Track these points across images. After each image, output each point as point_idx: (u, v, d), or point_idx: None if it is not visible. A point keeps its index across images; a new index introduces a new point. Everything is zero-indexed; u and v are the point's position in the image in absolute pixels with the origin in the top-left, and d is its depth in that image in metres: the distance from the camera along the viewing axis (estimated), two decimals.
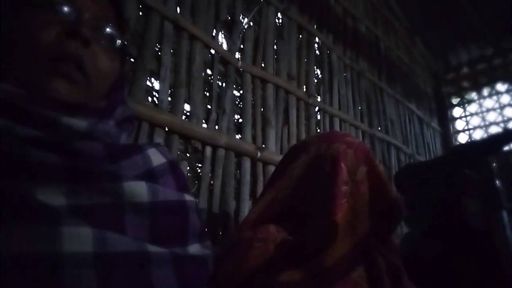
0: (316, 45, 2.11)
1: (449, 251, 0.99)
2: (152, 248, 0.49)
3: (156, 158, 0.61)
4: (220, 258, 0.75)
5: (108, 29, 0.58)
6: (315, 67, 2.04)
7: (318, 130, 1.93)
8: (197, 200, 1.18)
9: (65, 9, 0.53)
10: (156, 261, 0.48)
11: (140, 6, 1.21)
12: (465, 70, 3.76)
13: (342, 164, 0.80)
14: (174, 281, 0.50)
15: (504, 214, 0.53)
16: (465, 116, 3.74)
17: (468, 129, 3.69)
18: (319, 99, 2.00)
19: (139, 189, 0.52)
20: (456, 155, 0.61)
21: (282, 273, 0.72)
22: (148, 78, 1.18)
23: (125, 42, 0.62)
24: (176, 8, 1.33)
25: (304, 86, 1.91)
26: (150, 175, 0.57)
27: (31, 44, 0.50)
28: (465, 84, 3.76)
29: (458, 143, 3.47)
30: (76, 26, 0.52)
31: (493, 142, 0.59)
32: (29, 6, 0.52)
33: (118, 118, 0.59)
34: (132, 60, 1.13)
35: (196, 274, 0.56)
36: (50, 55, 0.50)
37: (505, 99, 3.55)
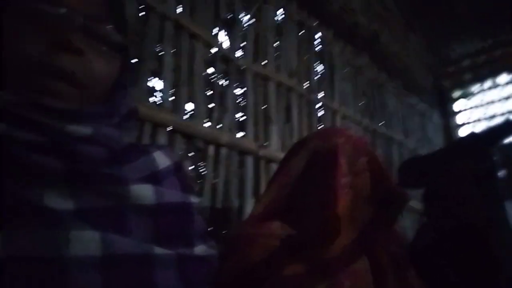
0: (316, 41, 2.10)
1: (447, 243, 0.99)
2: (158, 250, 0.49)
3: (162, 160, 0.60)
4: (224, 254, 0.76)
5: (103, 30, 0.54)
6: (316, 63, 2.04)
7: (320, 126, 1.94)
8: (201, 199, 1.18)
9: (53, 14, 0.49)
10: (161, 262, 0.49)
11: (140, 6, 1.21)
12: (466, 62, 3.74)
13: (341, 157, 0.82)
14: (179, 282, 0.50)
15: (506, 205, 0.53)
16: (467, 109, 3.73)
17: (471, 122, 3.68)
18: (320, 95, 2.00)
19: (144, 191, 0.52)
20: (458, 147, 0.62)
21: (286, 267, 0.73)
22: (149, 78, 1.18)
23: (124, 41, 0.59)
24: (176, 7, 1.33)
25: (306, 82, 1.91)
26: (155, 177, 0.57)
27: (18, 57, 0.47)
28: (466, 76, 3.75)
29: (459, 136, 3.47)
30: (66, 35, 0.48)
31: (494, 134, 0.59)
32: (14, 14, 0.48)
33: (122, 114, 0.58)
34: (133, 58, 1.14)
35: (201, 274, 0.56)
36: (39, 71, 0.47)
37: (507, 90, 3.54)
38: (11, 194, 0.41)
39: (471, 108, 3.71)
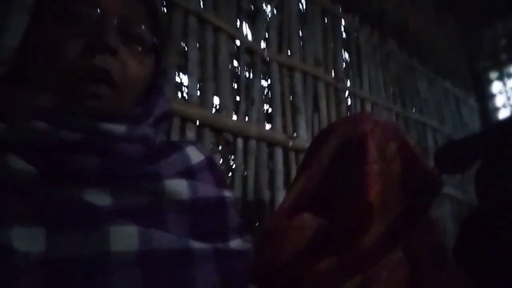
0: (342, 28, 2.06)
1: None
2: (195, 244, 0.50)
3: (195, 155, 0.61)
4: (256, 249, 0.76)
5: (138, 31, 0.55)
6: (342, 50, 2.00)
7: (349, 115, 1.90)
8: (232, 192, 1.19)
9: (89, 17, 0.50)
10: (199, 257, 0.49)
11: (164, 1, 1.22)
12: (503, 41, 3.55)
13: (370, 143, 0.79)
14: (217, 276, 0.51)
15: None
16: (506, 92, 3.55)
17: (509, 105, 3.50)
18: (348, 83, 1.96)
19: (179, 186, 0.52)
20: (497, 130, 0.58)
21: (319, 261, 0.71)
22: (176, 73, 1.19)
23: (159, 41, 0.59)
24: (199, 1, 1.33)
25: (332, 71, 1.87)
26: (189, 172, 0.57)
27: (56, 61, 0.48)
28: (503, 56, 3.56)
29: (497, 119, 3.30)
30: (102, 38, 0.49)
31: None
32: (52, 17, 0.50)
33: (156, 116, 0.58)
34: (166, 59, 1.15)
35: (238, 268, 0.56)
36: (76, 74, 0.48)
37: None
38: (52, 193, 0.42)
39: (510, 90, 3.52)
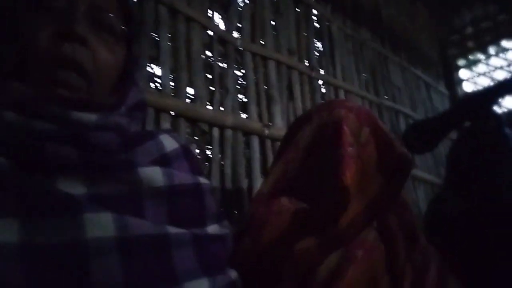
0: (314, 17, 2.07)
1: (476, 210, 0.97)
2: (172, 230, 0.50)
3: (169, 143, 0.61)
4: (237, 235, 0.76)
5: (107, 19, 0.55)
6: (315, 40, 2.01)
7: None
8: (209, 181, 1.19)
9: (58, 5, 0.50)
10: (176, 242, 0.49)
11: None
12: (469, 29, 3.67)
13: (345, 128, 0.81)
14: (195, 260, 0.51)
15: None
16: (473, 77, 3.67)
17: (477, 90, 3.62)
18: (322, 72, 1.98)
19: (154, 174, 0.52)
20: (461, 107, 0.61)
21: (299, 242, 0.73)
22: (148, 64, 1.18)
23: (129, 29, 0.59)
24: None
25: (306, 60, 1.89)
26: (164, 160, 0.58)
27: (29, 49, 0.49)
28: (470, 44, 3.68)
29: (461, 96, 3.42)
30: (70, 25, 0.49)
31: (496, 90, 0.58)
32: (23, 7, 0.50)
33: (130, 105, 0.59)
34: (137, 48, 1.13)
35: (216, 252, 0.57)
36: (47, 61, 0.49)
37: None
38: (25, 184, 0.42)
39: (478, 75, 3.65)
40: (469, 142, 1.15)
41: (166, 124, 1.14)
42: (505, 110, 3.18)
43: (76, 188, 0.45)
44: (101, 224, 0.43)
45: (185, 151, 0.64)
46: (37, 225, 0.40)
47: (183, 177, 0.57)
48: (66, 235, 0.40)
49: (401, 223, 0.83)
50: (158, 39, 1.22)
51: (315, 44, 2.00)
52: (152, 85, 1.18)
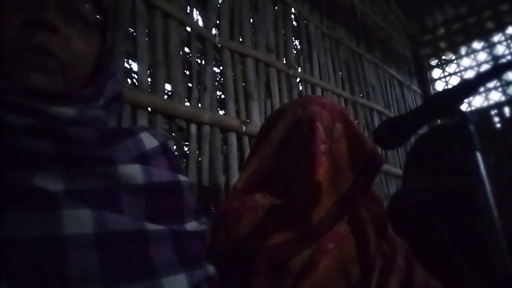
0: (292, 16, 2.09)
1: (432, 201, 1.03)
2: (150, 226, 0.51)
3: (148, 141, 0.61)
4: (212, 229, 0.78)
5: (79, 7, 0.54)
6: (293, 38, 2.04)
7: None
8: (187, 177, 1.19)
9: None
10: (154, 238, 0.50)
11: None
12: (441, 30, 3.78)
13: (318, 124, 0.83)
14: (173, 255, 0.52)
15: (478, 155, 0.56)
16: (444, 77, 3.79)
17: None
18: (299, 69, 2.00)
19: (133, 171, 0.53)
20: (430, 105, 0.64)
21: (272, 236, 0.75)
22: (126, 60, 1.17)
23: (103, 19, 0.59)
24: None
25: (284, 58, 1.91)
26: (143, 157, 0.58)
27: (0, 39, 0.48)
28: (442, 44, 3.79)
29: (431, 94, 3.53)
30: (39, 13, 0.49)
31: (463, 89, 0.61)
32: None
33: (108, 97, 0.58)
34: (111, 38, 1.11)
35: (194, 248, 0.58)
36: (18, 49, 0.48)
37: (481, 56, 3.60)
38: (3, 177, 0.42)
39: (449, 75, 3.77)
40: (433, 138, 1.20)
41: (142, 120, 1.14)
42: (473, 108, 3.32)
43: (54, 183, 0.46)
44: (80, 221, 0.43)
45: (164, 148, 0.64)
46: (13, 219, 0.40)
47: (162, 174, 0.58)
48: (43, 230, 0.41)
49: (371, 216, 0.86)
50: (135, 34, 1.21)
51: (293, 42, 2.03)
52: (129, 81, 1.18)
